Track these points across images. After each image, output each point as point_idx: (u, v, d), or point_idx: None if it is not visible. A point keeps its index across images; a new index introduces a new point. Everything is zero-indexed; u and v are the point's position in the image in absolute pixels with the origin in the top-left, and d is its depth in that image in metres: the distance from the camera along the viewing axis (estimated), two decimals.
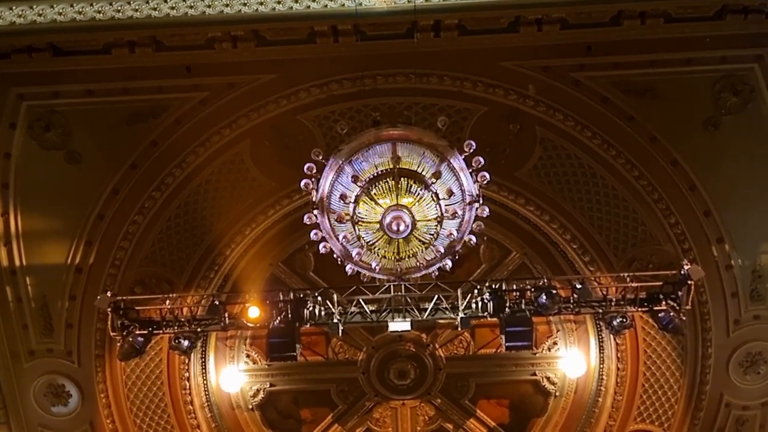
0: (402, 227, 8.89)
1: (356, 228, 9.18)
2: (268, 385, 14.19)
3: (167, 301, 12.13)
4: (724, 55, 11.99)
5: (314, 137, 12.46)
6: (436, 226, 9.17)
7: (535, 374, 14.10)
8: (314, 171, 9.19)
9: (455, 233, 9.24)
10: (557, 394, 14.09)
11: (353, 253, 9.26)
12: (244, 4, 11.42)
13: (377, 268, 9.41)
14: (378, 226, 9.06)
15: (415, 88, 12.28)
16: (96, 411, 13.61)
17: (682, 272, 11.45)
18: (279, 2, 11.41)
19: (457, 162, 9.18)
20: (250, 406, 14.21)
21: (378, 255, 9.30)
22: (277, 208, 13.13)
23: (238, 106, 12.48)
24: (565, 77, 12.25)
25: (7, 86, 12.14)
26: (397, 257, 9.29)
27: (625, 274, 11.99)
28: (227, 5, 11.41)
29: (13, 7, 11.37)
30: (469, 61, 12.15)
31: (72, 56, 12.06)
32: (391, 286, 12.13)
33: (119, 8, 11.36)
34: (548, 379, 14.09)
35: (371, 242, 9.22)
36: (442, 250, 9.28)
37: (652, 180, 12.63)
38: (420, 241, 9.20)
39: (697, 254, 12.72)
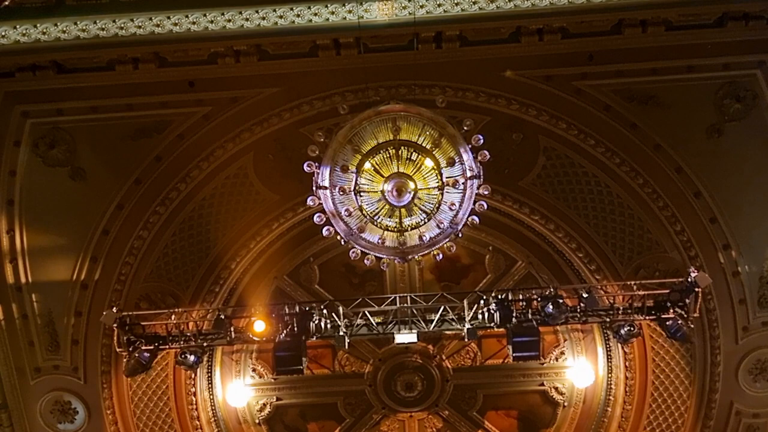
0: (403, 194, 8.84)
1: (358, 198, 9.08)
2: (274, 399, 14.15)
3: (173, 316, 12.13)
4: (726, 62, 11.99)
5: None
6: (438, 195, 9.08)
7: (543, 384, 14.04)
8: (317, 152, 9.14)
9: (457, 204, 9.12)
10: (566, 404, 14.01)
11: (354, 227, 9.13)
12: (247, 19, 11.49)
13: (380, 242, 9.25)
14: (380, 195, 9.02)
15: (418, 100, 12.29)
16: (102, 427, 13.57)
17: (689, 279, 11.41)
18: (281, 17, 11.48)
19: (457, 137, 9.12)
20: (257, 421, 14.16)
21: (380, 228, 9.19)
22: (282, 222, 13.13)
23: (241, 120, 12.51)
24: (568, 86, 12.26)
25: (11, 104, 12.20)
26: (400, 227, 9.16)
27: (632, 282, 11.98)
28: (229, 20, 11.49)
29: (17, 26, 11.46)
30: (470, 71, 12.17)
31: (76, 73, 12.09)
32: (397, 298, 12.10)
33: (122, 25, 11.45)
34: (556, 389, 14.02)
35: (374, 212, 9.12)
36: (445, 224, 9.17)
37: (657, 187, 12.60)
38: (422, 210, 9.10)
39: (703, 261, 12.67)
